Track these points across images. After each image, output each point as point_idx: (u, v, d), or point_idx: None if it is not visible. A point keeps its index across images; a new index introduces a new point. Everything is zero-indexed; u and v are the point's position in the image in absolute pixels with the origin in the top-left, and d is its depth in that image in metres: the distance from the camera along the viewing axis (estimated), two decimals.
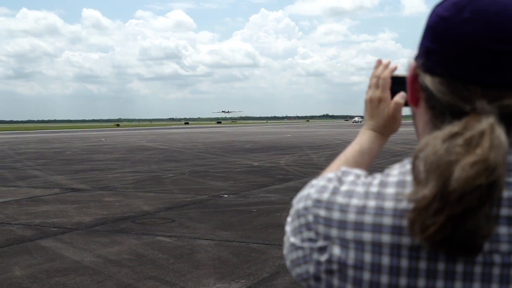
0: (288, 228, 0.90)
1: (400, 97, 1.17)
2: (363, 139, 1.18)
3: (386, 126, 1.19)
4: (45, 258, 7.34)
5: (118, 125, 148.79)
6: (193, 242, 8.08)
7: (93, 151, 30.08)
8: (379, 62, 1.20)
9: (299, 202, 0.88)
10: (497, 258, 0.76)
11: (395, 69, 1.19)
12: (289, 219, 0.91)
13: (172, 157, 24.29)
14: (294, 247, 0.87)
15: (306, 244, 0.85)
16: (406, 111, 1.17)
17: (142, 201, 11.89)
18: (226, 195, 12.54)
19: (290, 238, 0.88)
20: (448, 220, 0.71)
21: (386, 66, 1.19)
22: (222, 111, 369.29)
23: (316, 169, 17.54)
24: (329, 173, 0.89)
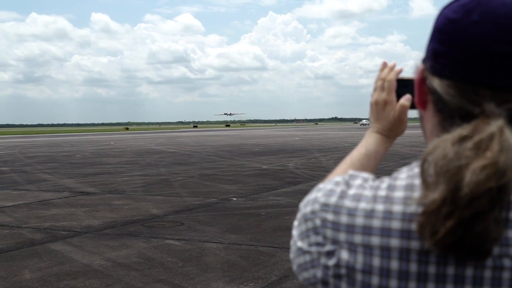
0: (295, 232, 0.89)
1: (406, 99, 1.16)
2: (369, 142, 1.17)
3: (392, 129, 1.18)
4: (54, 261, 7.36)
5: (127, 129, 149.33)
6: (202, 245, 8.08)
7: (102, 154, 30.19)
8: (385, 65, 1.19)
9: (306, 206, 0.88)
10: (507, 262, 0.75)
11: (400, 71, 1.18)
12: (296, 223, 0.90)
13: (181, 160, 24.34)
14: (302, 251, 0.86)
15: (314, 249, 0.84)
16: (412, 113, 1.16)
17: (151, 204, 11.91)
18: (235, 198, 12.54)
19: (297, 242, 0.88)
20: (458, 224, 0.70)
21: (392, 68, 1.19)
22: (224, 113, 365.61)
23: (325, 172, 17.49)
24: (337, 177, 0.88)
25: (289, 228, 8.86)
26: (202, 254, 7.56)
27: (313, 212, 0.85)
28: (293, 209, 10.58)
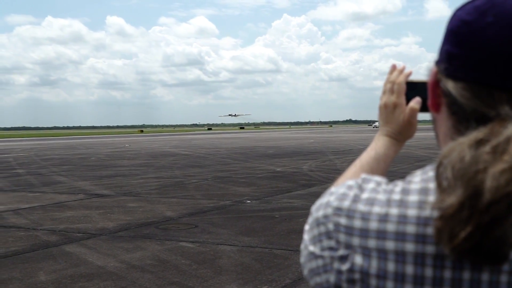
0: (306, 237, 0.89)
1: (415, 102, 1.15)
2: (378, 145, 1.16)
3: (402, 132, 1.17)
4: (69, 263, 7.41)
5: (142, 131, 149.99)
6: (216, 247, 8.09)
7: (117, 157, 30.36)
8: (394, 67, 1.18)
9: (318, 210, 0.87)
10: None
11: (410, 74, 1.17)
12: (307, 227, 0.90)
13: (195, 163, 24.40)
14: (314, 256, 0.86)
15: (327, 253, 0.83)
16: (423, 116, 1.15)
17: (165, 206, 11.95)
18: (249, 201, 12.54)
19: (309, 247, 0.87)
20: (477, 228, 0.69)
21: (401, 71, 1.18)
22: (229, 115, 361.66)
23: (339, 175, 17.44)
24: (349, 180, 0.87)
25: (303, 231, 8.83)
26: (216, 257, 7.57)
27: (325, 216, 0.84)
28: (307, 212, 10.47)
